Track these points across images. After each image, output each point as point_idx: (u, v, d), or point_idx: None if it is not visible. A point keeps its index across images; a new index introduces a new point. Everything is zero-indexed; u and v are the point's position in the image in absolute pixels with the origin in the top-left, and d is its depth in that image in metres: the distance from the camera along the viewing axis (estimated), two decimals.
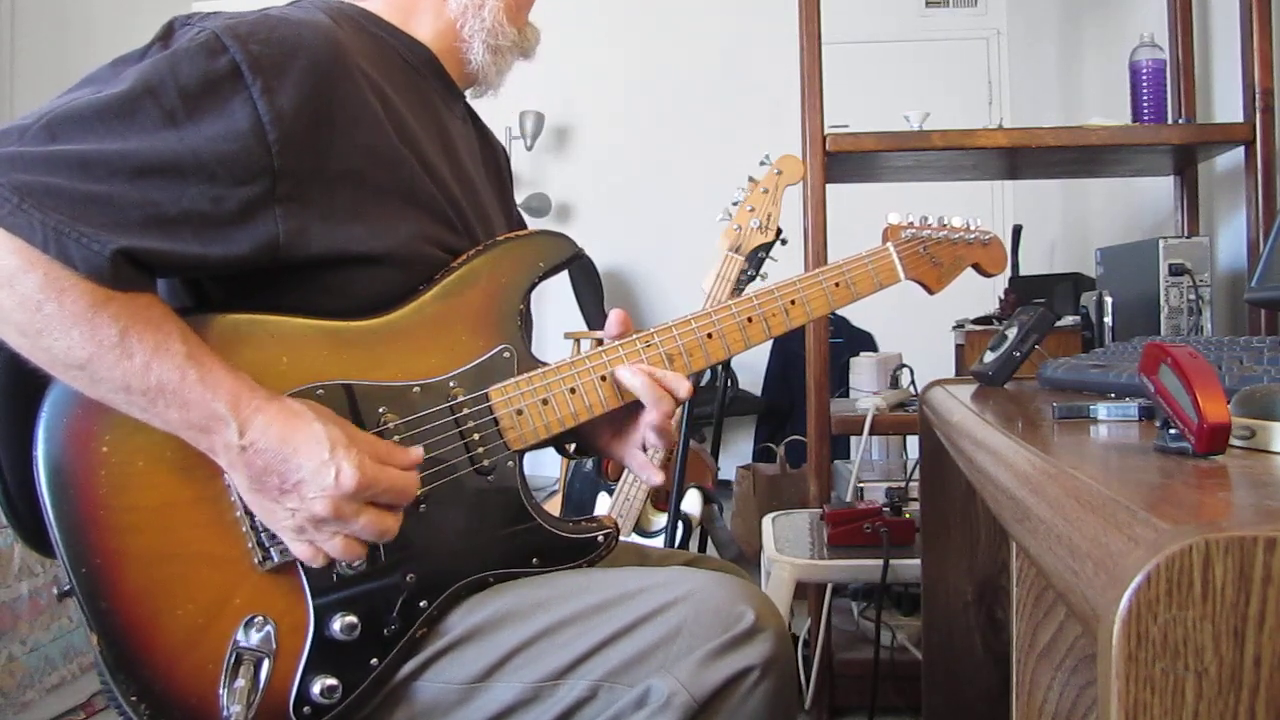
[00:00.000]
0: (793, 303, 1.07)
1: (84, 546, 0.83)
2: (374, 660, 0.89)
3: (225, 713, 0.83)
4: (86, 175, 0.78)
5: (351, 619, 0.88)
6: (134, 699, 0.82)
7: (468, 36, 1.08)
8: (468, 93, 1.15)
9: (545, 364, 0.99)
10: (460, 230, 1.01)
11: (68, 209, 0.77)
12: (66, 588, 0.83)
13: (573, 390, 0.99)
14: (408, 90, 1.01)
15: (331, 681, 0.87)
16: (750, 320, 1.05)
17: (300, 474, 0.81)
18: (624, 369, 0.99)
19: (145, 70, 0.83)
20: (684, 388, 1.00)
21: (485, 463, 0.96)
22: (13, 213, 0.75)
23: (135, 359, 0.79)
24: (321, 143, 0.88)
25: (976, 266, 1.22)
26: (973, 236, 1.21)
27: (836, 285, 1.10)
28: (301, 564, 0.87)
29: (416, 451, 0.89)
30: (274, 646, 0.86)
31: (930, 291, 1.19)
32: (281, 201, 0.86)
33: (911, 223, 1.18)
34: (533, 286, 1.01)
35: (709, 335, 1.04)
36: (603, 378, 1.00)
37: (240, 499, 0.86)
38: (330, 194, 0.89)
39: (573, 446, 1.15)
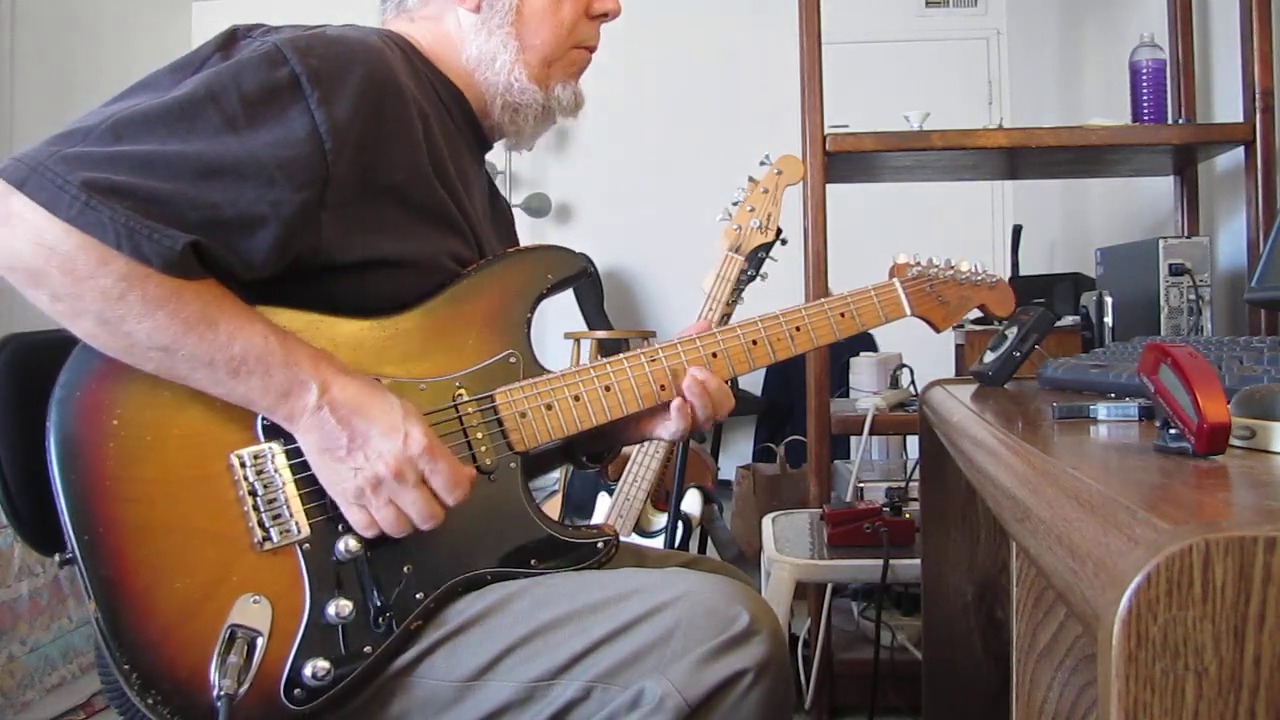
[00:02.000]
0: (797, 329, 1.10)
1: (88, 513, 0.84)
2: (368, 648, 0.90)
3: (216, 688, 0.83)
4: (150, 174, 0.81)
5: (348, 605, 0.89)
6: (126, 667, 0.82)
7: (485, 89, 1.08)
8: (502, 143, 1.15)
9: (550, 371, 1.02)
10: (481, 257, 1.05)
11: (133, 205, 0.80)
12: (69, 555, 0.84)
13: (577, 398, 1.01)
14: (440, 122, 1.03)
15: (324, 665, 0.87)
16: (755, 343, 1.08)
17: (370, 432, 0.86)
18: (696, 370, 1.03)
19: (208, 78, 0.86)
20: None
21: (487, 462, 0.97)
22: (82, 211, 0.78)
23: (220, 331, 0.83)
24: (371, 155, 0.91)
25: (983, 308, 1.23)
26: (979, 279, 1.22)
27: (842, 315, 1.12)
28: (301, 548, 0.88)
29: (471, 470, 0.92)
30: (269, 626, 0.86)
31: (936, 329, 1.20)
32: (329, 208, 0.89)
33: (918, 262, 1.19)
34: (541, 297, 1.04)
35: (714, 355, 1.06)
36: (607, 388, 1.02)
37: (248, 478, 0.88)
38: (375, 207, 0.93)
39: (585, 457, 1.16)
